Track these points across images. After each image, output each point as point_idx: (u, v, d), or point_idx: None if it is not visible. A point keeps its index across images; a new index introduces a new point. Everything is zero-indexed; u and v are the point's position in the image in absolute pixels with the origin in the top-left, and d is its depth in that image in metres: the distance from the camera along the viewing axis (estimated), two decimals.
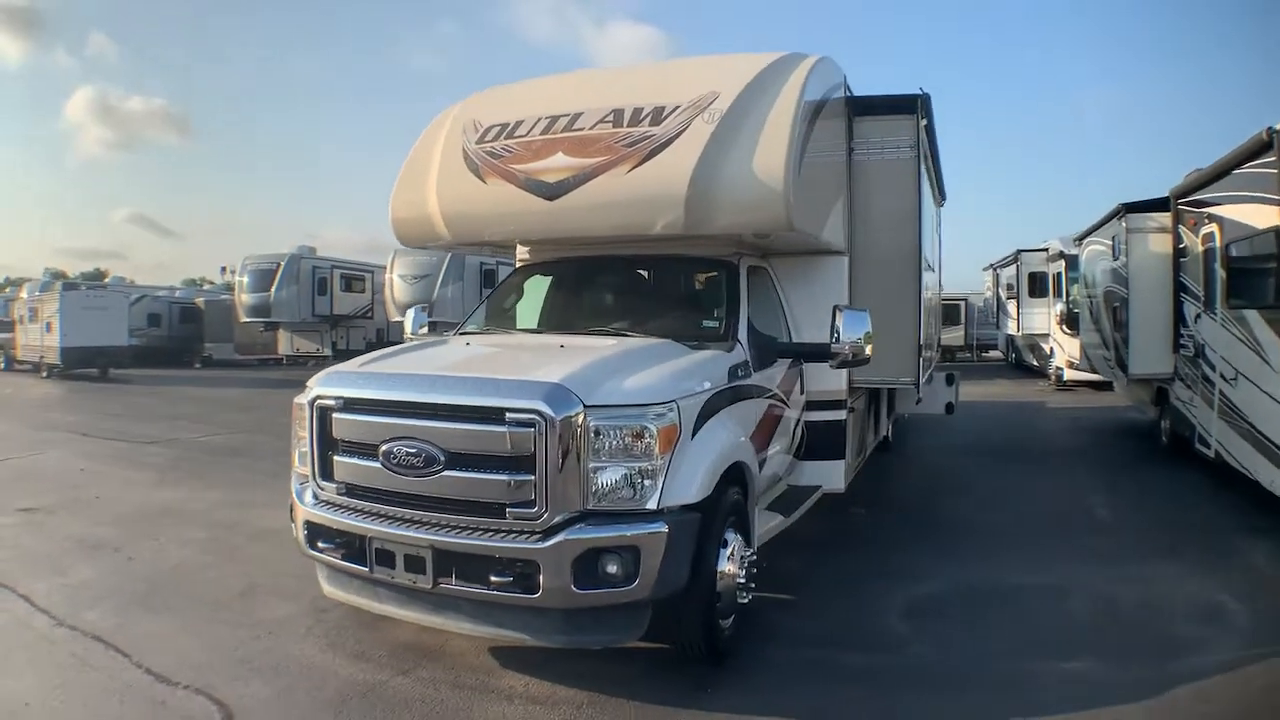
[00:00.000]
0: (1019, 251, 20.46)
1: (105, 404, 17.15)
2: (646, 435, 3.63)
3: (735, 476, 4.24)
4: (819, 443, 6.07)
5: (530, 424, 3.55)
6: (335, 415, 4.07)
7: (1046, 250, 18.50)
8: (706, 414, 4.04)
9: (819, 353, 5.08)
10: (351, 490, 4.04)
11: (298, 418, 4.29)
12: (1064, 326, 15.92)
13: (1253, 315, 7.00)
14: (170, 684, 3.96)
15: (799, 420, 5.88)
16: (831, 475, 6.14)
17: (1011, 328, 21.98)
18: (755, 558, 4.31)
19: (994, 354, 28.25)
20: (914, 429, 12.03)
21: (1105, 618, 4.79)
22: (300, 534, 4.22)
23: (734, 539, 4.16)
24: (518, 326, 5.68)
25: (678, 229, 4.73)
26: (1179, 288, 9.09)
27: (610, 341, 4.69)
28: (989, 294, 26.62)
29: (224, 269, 33.22)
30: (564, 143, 5.08)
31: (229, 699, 3.79)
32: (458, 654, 4.27)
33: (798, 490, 5.94)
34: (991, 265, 25.84)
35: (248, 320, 27.49)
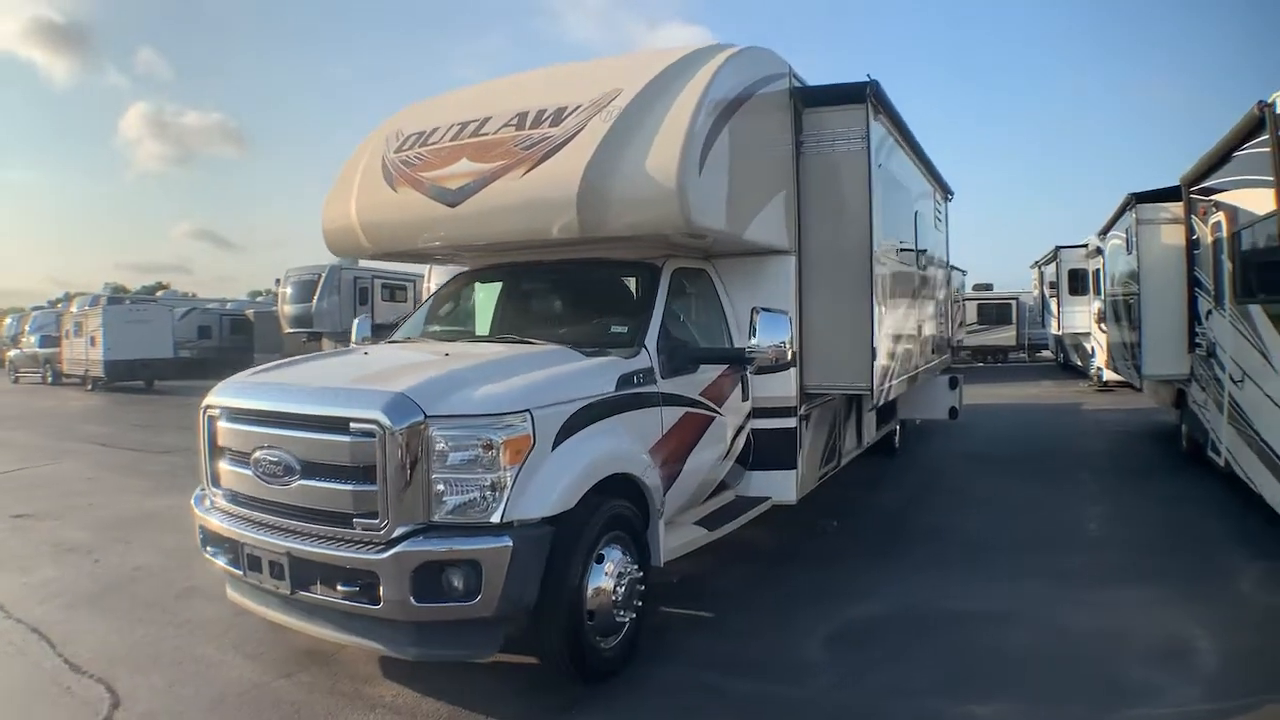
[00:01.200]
0: (1058, 248, 19.58)
1: (138, 416, 17.71)
2: (491, 446, 3.51)
3: (619, 489, 4.08)
4: (768, 452, 5.82)
5: (371, 434, 3.50)
6: (219, 424, 4.20)
7: (1086, 246, 17.67)
8: (578, 424, 3.89)
9: (735, 358, 4.86)
10: (233, 497, 4.15)
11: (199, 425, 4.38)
12: (1101, 325, 15.19)
13: (1256, 310, 6.46)
14: (80, 672, 4.27)
15: (742, 428, 5.65)
16: (782, 486, 5.87)
17: (1055, 327, 21.10)
18: (641, 574, 4.12)
19: (1046, 354, 27.21)
20: (929, 434, 11.62)
21: (1050, 652, 4.29)
22: (197, 538, 4.34)
23: (616, 555, 3.98)
24: (439, 334, 5.60)
25: (574, 232, 4.57)
26: (1193, 282, 8.45)
27: (498, 349, 4.60)
28: (1035, 293, 25.62)
29: (278, 281, 34.11)
30: (468, 148, 5.00)
31: (123, 689, 4.07)
32: (348, 662, 4.26)
33: (745, 501, 5.72)
34: (1036, 263, 24.86)
35: (291, 331, 28.09)
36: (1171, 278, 8.69)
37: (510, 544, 3.43)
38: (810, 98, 6.03)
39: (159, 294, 45.33)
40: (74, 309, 29.83)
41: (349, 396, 3.73)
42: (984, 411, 15.27)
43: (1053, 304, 20.88)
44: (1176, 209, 8.80)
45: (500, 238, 4.93)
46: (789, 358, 4.73)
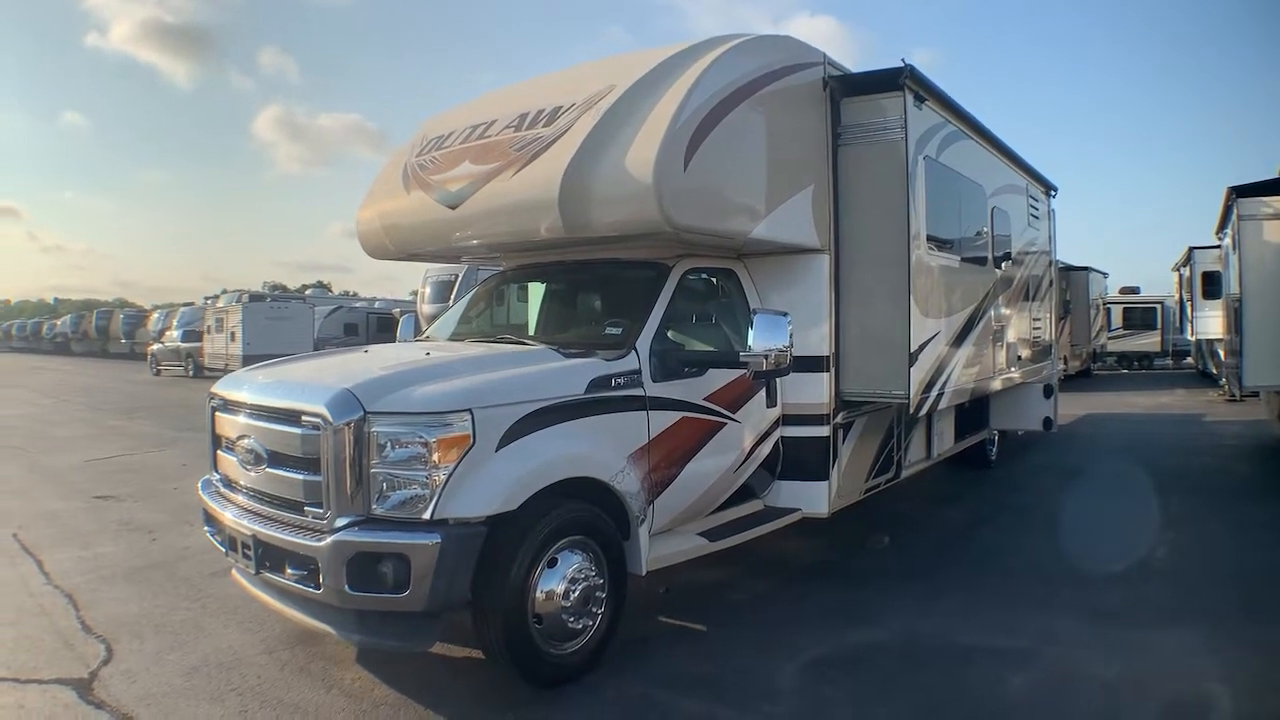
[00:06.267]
0: (1191, 249, 17.94)
1: None
2: (426, 444, 3.54)
3: (588, 493, 4.02)
4: (798, 461, 5.58)
5: (318, 427, 3.64)
6: (217, 413, 4.50)
7: (1220, 246, 16.14)
8: (531, 425, 3.85)
9: (730, 362, 4.68)
10: (226, 481, 4.42)
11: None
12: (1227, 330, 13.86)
13: None
14: (89, 632, 4.69)
15: (767, 435, 5.43)
16: (813, 498, 5.61)
17: (1190, 332, 19.44)
18: (601, 582, 4.03)
19: (1189, 361, 25.19)
20: (1031, 446, 11.03)
21: (1043, 701, 3.85)
22: (202, 519, 4.65)
23: (574, 560, 3.92)
24: (456, 335, 5.67)
25: (559, 232, 4.54)
26: None
27: (478, 350, 4.64)
28: (1176, 297, 23.68)
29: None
30: (472, 151, 5.08)
31: (119, 650, 4.43)
32: (330, 646, 4.41)
33: (771, 512, 5.50)
34: (1175, 265, 22.92)
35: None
36: (1275, 279, 7.81)
37: (438, 541, 3.44)
38: (847, 87, 5.73)
39: (308, 292, 47.69)
40: (220, 304, 31.61)
41: (303, 391, 3.87)
42: (1102, 421, 14.36)
43: (1189, 308, 19.22)
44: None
45: (494, 239, 4.98)
46: (788, 364, 4.49)
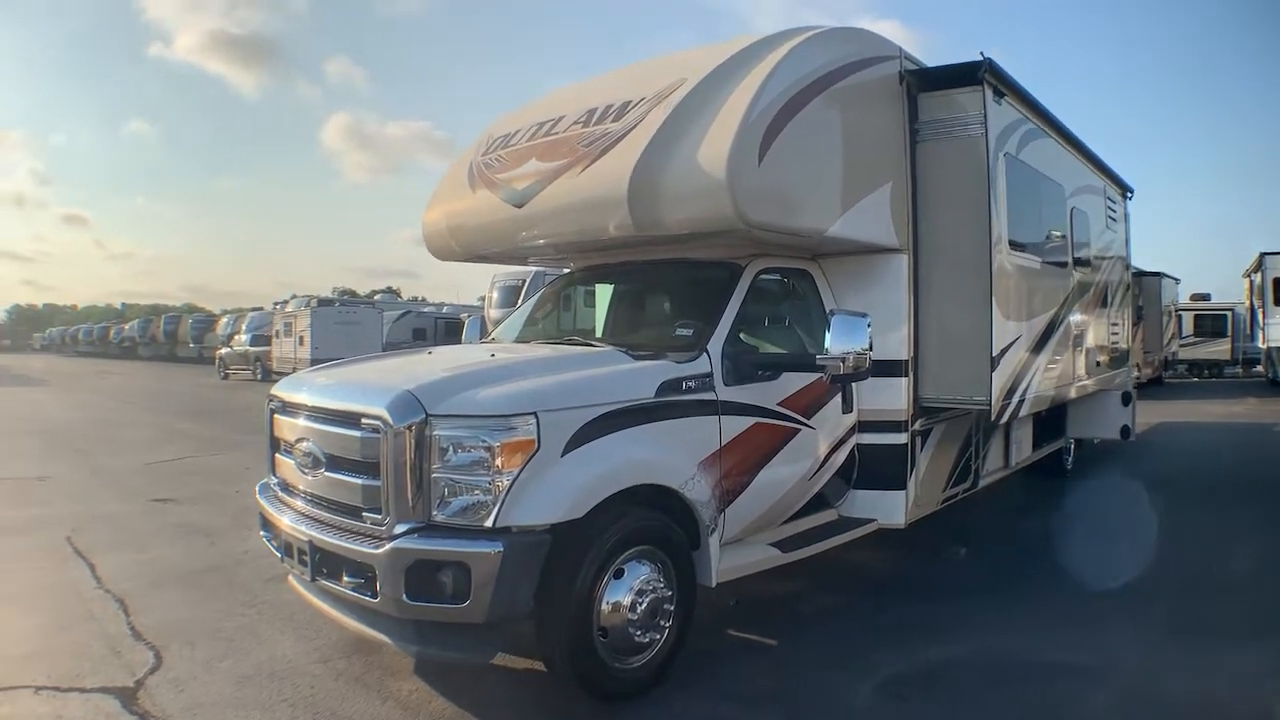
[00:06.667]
0: (1263, 255, 17.20)
1: None
2: (489, 448, 3.39)
3: (657, 501, 3.85)
4: (875, 470, 5.35)
5: (378, 430, 3.50)
6: (276, 415, 4.36)
7: None
8: (599, 430, 3.67)
9: (806, 365, 4.48)
10: (284, 485, 4.28)
11: None
12: None
13: None
14: (139, 638, 4.54)
15: (843, 442, 5.22)
16: (889, 508, 5.37)
17: (1260, 340, 18.66)
18: (670, 594, 3.83)
19: (1259, 369, 24.26)
20: (1108, 454, 10.61)
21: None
22: (259, 523, 4.53)
23: (642, 571, 3.73)
24: (523, 336, 5.55)
25: (629, 230, 4.39)
26: None
27: (545, 351, 4.49)
28: (1246, 304, 22.79)
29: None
30: (539, 148, 4.97)
31: (169, 656, 4.28)
32: (388, 656, 4.25)
33: (847, 522, 5.28)
34: (1246, 272, 22.03)
35: None
36: None
37: (500, 550, 3.29)
38: (924, 81, 5.49)
39: (377, 297, 47.96)
40: (289, 309, 31.50)
41: (363, 392, 3.75)
42: (1175, 430, 13.89)
43: (1260, 315, 18.48)
44: None
45: (562, 238, 4.84)
46: (867, 368, 4.27)
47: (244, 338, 32.56)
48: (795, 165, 4.43)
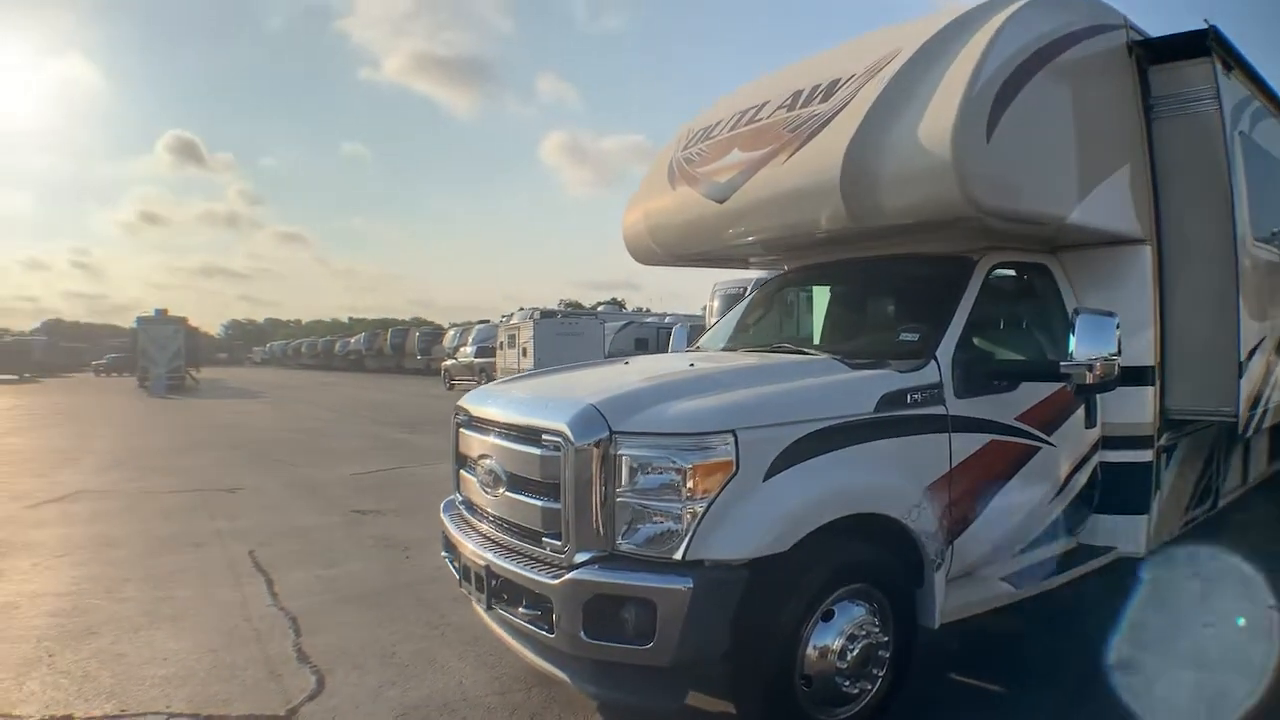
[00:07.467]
0: None
1: None
2: (680, 470, 3.04)
3: (874, 532, 3.40)
4: (1114, 492, 4.73)
5: (558, 447, 3.23)
6: (460, 430, 4.19)
7: None
8: (808, 450, 3.25)
9: (1048, 373, 3.97)
10: (467, 504, 4.11)
11: None
12: None
13: None
14: (304, 661, 4.32)
15: (1085, 460, 4.63)
16: (1128, 535, 4.72)
17: None
18: (886, 639, 3.41)
19: None
20: None
21: None
22: (441, 543, 4.31)
23: (855, 612, 3.31)
24: (730, 345, 5.30)
25: (841, 220, 4.06)
26: None
27: (750, 360, 4.20)
28: None
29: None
30: (741, 137, 4.77)
31: (332, 682, 4.05)
32: (571, 689, 3.65)
33: (1086, 551, 4.69)
34: None
35: None
36: None
37: (690, 586, 2.93)
38: (1153, 53, 4.88)
39: (600, 308, 48.20)
40: (514, 321, 32.12)
41: (546, 407, 3.48)
42: None
43: None
44: None
45: (769, 234, 4.57)
46: (1115, 375, 3.73)
47: (469, 349, 33.01)
48: (1028, 142, 3.95)
